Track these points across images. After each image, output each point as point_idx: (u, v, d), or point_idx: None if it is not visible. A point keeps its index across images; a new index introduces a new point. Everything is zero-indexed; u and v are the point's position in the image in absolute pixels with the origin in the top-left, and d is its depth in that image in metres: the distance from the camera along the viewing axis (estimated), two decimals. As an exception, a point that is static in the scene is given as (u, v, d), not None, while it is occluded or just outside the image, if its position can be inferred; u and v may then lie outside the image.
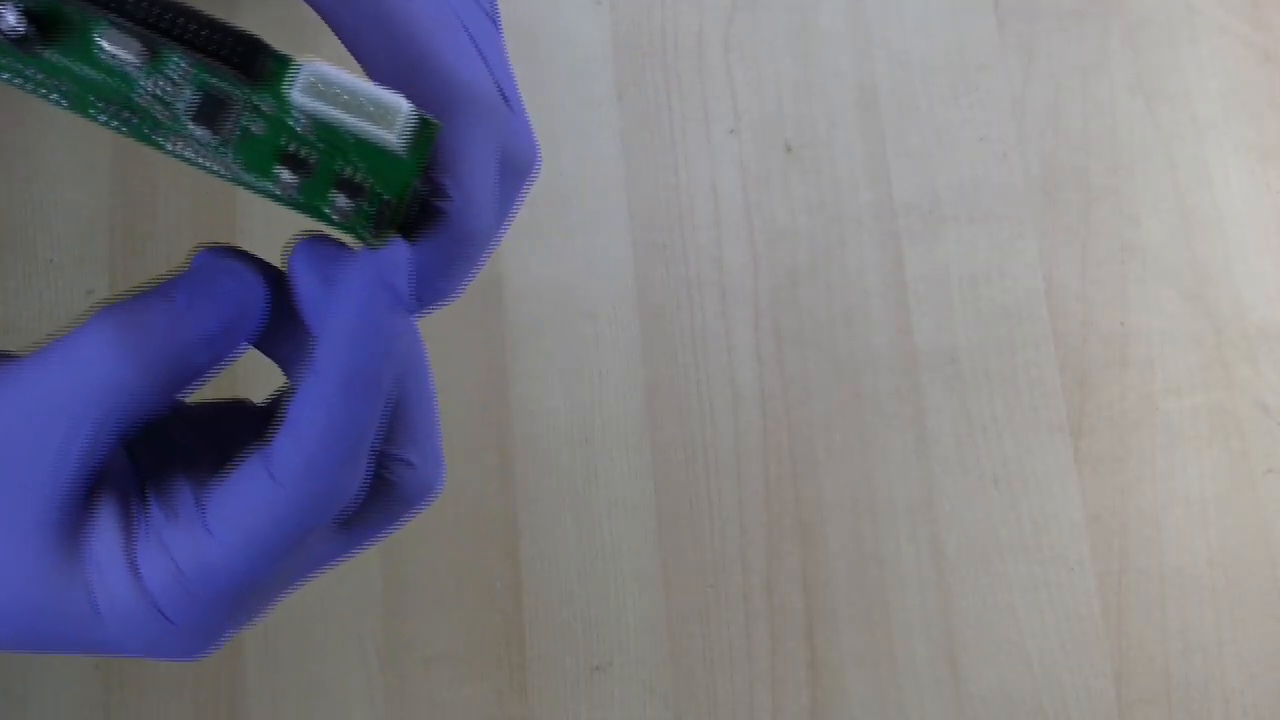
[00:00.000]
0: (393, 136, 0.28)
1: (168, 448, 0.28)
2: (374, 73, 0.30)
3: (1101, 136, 0.61)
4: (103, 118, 0.30)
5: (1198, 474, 0.56)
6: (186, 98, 0.29)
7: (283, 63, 0.28)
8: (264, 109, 0.29)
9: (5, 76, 0.31)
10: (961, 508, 0.56)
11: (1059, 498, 0.56)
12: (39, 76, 0.31)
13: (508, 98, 0.31)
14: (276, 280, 0.29)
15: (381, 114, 0.28)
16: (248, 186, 0.30)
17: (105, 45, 0.29)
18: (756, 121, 0.62)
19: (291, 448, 0.26)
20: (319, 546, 0.28)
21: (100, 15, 0.28)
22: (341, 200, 0.29)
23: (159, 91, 0.29)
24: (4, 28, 0.29)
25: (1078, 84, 0.62)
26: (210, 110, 0.29)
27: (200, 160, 0.29)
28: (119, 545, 0.26)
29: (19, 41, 0.30)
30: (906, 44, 0.63)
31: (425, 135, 0.29)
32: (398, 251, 0.28)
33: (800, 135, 0.62)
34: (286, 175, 0.29)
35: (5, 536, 0.25)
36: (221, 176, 0.29)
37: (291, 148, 0.29)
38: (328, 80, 0.28)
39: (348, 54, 0.31)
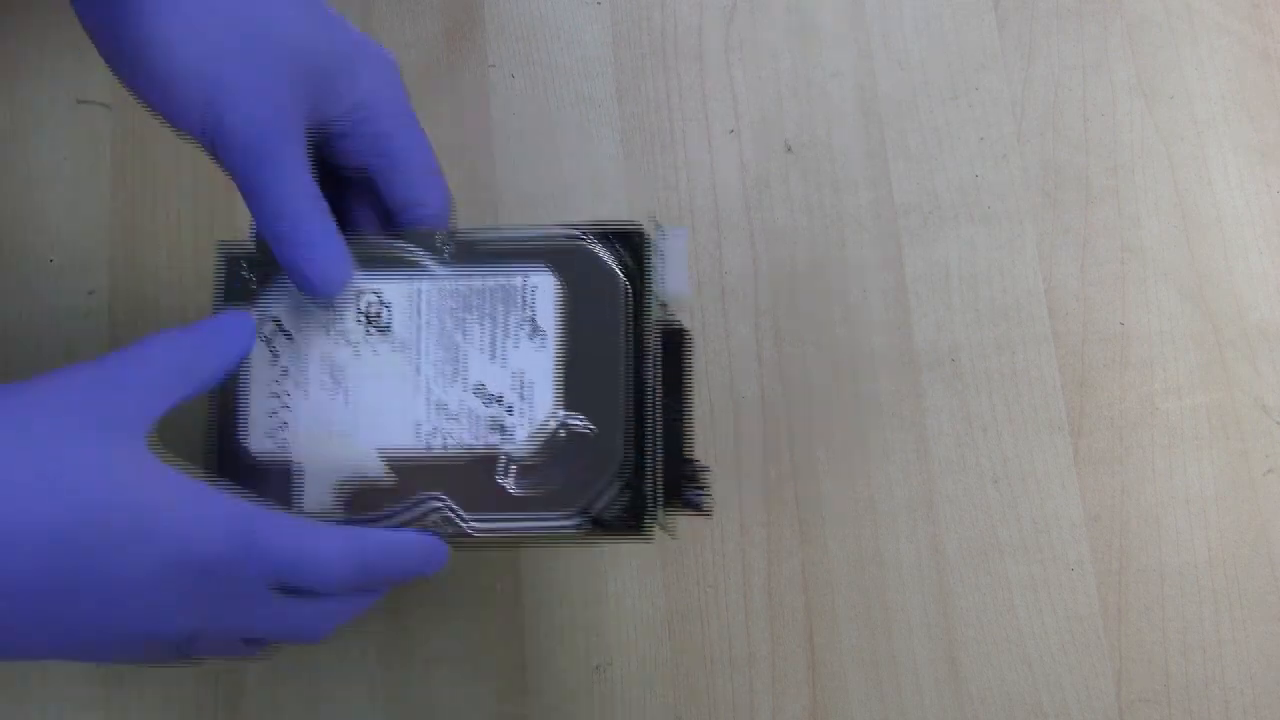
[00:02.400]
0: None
1: None
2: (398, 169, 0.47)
3: (1101, 136, 0.61)
4: None
5: (1198, 474, 0.56)
6: None
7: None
8: None
9: None
10: (961, 508, 0.56)
11: (1059, 498, 0.56)
12: None
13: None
14: None
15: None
16: None
17: None
18: (756, 121, 0.62)
19: None
20: None
21: None
22: None
23: None
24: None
25: (1078, 84, 0.62)
26: None
27: None
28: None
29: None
30: (906, 44, 0.63)
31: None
32: None
33: (800, 135, 0.62)
34: None
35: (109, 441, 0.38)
36: None
37: None
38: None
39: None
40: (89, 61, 0.45)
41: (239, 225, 0.59)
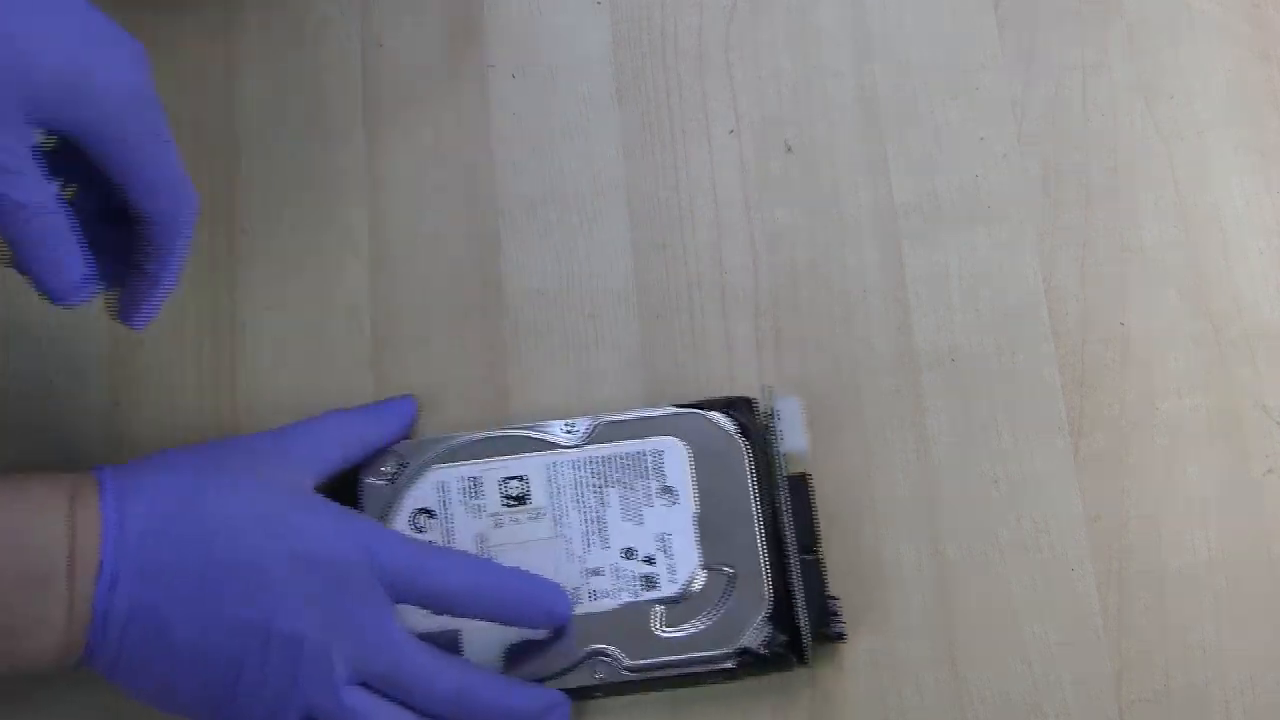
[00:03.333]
0: None
1: None
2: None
3: (1101, 136, 0.61)
4: None
5: (1198, 474, 0.56)
6: None
7: None
8: None
9: None
10: (961, 508, 0.56)
11: (1059, 498, 0.56)
12: None
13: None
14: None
15: None
16: None
17: None
18: (756, 121, 0.62)
19: None
20: None
21: None
22: None
23: None
24: None
25: (1078, 84, 0.62)
26: None
27: None
28: None
29: None
30: (906, 44, 0.63)
31: None
32: None
33: (800, 135, 0.62)
34: None
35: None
36: None
37: None
38: None
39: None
40: (89, 61, 0.45)
41: (239, 225, 0.59)
